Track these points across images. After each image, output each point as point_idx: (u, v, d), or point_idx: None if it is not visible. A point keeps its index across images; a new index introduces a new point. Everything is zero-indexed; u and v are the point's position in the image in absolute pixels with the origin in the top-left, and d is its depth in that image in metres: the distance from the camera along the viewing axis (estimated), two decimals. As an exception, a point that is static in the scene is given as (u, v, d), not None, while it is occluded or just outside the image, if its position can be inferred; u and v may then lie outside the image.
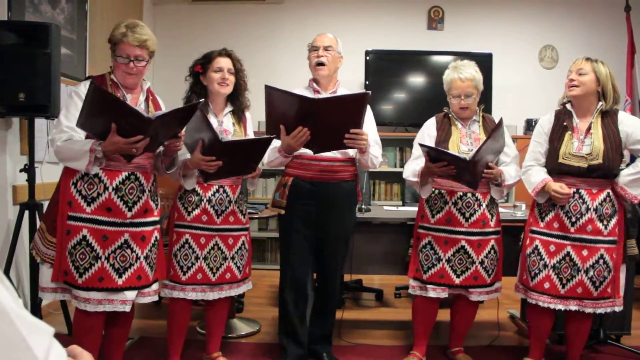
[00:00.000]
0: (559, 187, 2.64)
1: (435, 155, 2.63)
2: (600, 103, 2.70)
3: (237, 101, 2.80)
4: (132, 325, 2.64)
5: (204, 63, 2.72)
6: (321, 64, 2.80)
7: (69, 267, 2.31)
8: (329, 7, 5.71)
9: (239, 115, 2.82)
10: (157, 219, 2.52)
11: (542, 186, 2.69)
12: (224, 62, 2.71)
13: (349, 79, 5.47)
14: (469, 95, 2.82)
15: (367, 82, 5.47)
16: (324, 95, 2.80)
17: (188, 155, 2.58)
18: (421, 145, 2.64)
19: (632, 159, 2.93)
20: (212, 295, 2.72)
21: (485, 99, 5.44)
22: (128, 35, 2.33)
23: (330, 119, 2.50)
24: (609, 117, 2.70)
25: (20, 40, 2.98)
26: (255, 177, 2.78)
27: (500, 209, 3.00)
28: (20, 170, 3.18)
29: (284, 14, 5.69)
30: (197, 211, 2.67)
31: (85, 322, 2.37)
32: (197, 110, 2.35)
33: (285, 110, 2.54)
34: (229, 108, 2.79)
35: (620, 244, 2.70)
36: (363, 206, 3.43)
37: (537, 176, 2.74)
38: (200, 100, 2.49)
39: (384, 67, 5.50)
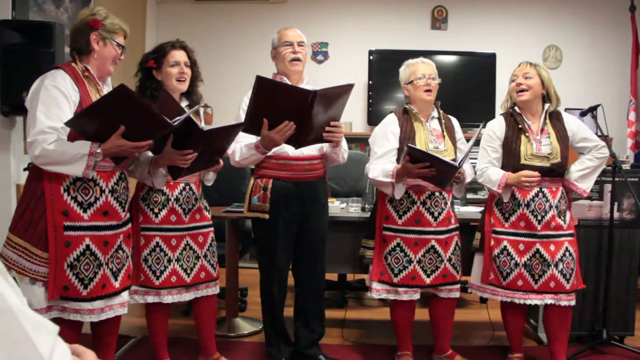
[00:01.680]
0: (525, 173, 2.69)
1: (421, 158, 2.55)
2: (547, 105, 2.79)
3: (193, 95, 2.66)
4: (133, 325, 2.63)
5: (158, 57, 2.54)
6: (298, 59, 2.79)
7: (71, 281, 2.15)
8: (332, 6, 5.71)
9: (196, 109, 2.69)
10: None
11: (505, 180, 2.72)
12: (180, 56, 2.55)
13: (353, 79, 5.45)
14: (434, 77, 2.82)
15: (370, 82, 5.47)
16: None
17: (149, 154, 2.46)
18: (409, 146, 2.59)
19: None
20: (188, 296, 2.67)
21: (490, 99, 5.45)
22: (123, 26, 2.29)
23: (318, 112, 2.46)
24: (555, 118, 2.82)
25: (24, 39, 2.99)
26: (217, 170, 2.68)
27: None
28: (24, 169, 3.17)
29: (287, 14, 5.68)
30: (164, 212, 2.56)
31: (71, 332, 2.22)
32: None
33: (276, 104, 2.44)
34: (184, 102, 2.62)
35: (575, 237, 2.81)
36: (366, 205, 3.43)
37: (496, 174, 2.77)
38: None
39: (388, 66, 5.46)
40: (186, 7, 5.75)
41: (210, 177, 2.74)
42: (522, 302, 2.76)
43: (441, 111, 2.92)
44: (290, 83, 2.78)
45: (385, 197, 2.83)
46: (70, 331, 2.16)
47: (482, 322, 3.60)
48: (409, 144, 2.62)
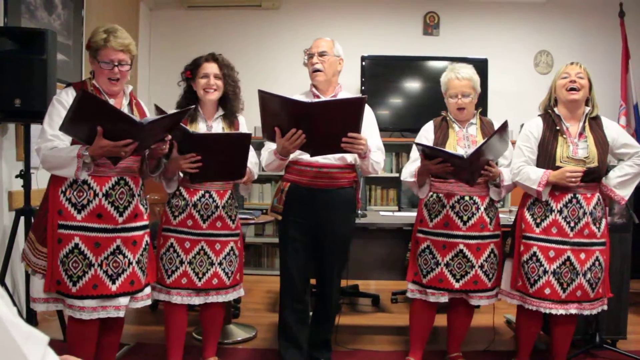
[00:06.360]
0: (570, 168, 2.64)
1: (431, 153, 2.64)
2: (588, 108, 2.76)
3: (228, 105, 2.80)
4: (127, 331, 2.64)
5: (193, 69, 2.74)
6: (317, 70, 2.80)
7: (62, 277, 2.30)
8: (325, 12, 5.73)
9: (230, 119, 2.81)
10: (147, 222, 2.52)
11: (547, 178, 2.66)
12: (210, 68, 2.72)
13: (345, 84, 5.44)
14: (466, 95, 2.82)
15: (363, 88, 5.48)
16: (323, 99, 2.77)
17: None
18: (416, 143, 2.65)
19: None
20: (197, 300, 2.72)
21: (481, 104, 5.46)
22: (110, 40, 2.32)
23: (325, 123, 2.49)
24: (594, 122, 2.76)
25: (17, 46, 2.98)
26: (247, 183, 2.78)
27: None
28: (16, 176, 3.17)
29: (280, 20, 5.70)
30: (182, 215, 2.69)
31: (79, 331, 2.35)
32: (184, 115, 2.38)
33: (279, 114, 2.53)
34: (219, 112, 2.79)
35: (608, 244, 2.77)
36: (359, 211, 3.43)
37: (536, 172, 2.71)
38: (191, 107, 2.50)
39: (380, 72, 5.50)
40: (179, 14, 5.75)
41: (242, 190, 2.88)
42: (547, 311, 2.71)
43: (480, 117, 2.93)
44: (319, 94, 2.82)
45: (422, 201, 2.90)
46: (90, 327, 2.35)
47: (481, 327, 3.60)
48: (417, 142, 2.67)
